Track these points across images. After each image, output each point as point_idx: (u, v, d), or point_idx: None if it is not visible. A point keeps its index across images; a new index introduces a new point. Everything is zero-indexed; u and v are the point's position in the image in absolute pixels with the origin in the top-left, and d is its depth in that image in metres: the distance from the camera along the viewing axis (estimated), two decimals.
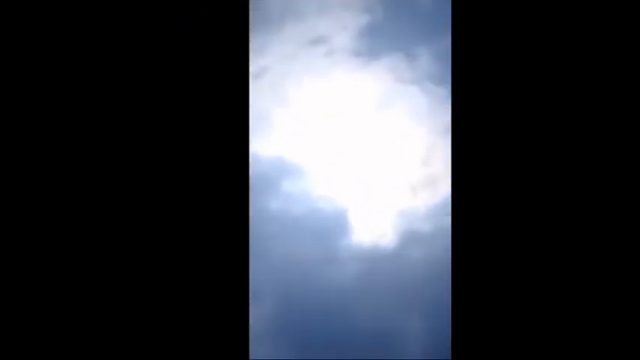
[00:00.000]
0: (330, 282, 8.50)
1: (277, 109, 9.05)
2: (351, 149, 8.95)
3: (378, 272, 8.54)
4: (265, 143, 9.02)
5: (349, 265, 8.58)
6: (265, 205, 8.76)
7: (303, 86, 8.94)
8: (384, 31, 9.11)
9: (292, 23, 9.04)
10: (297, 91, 8.93)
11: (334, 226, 8.72)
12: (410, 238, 8.58)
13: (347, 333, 8.32)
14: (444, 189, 8.62)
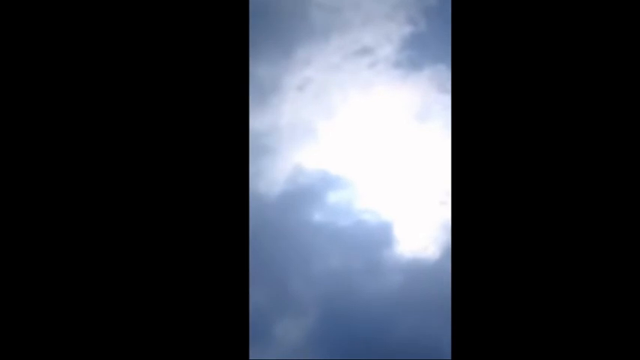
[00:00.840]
0: (372, 293, 8.63)
1: (322, 121, 9.13)
2: (394, 161, 9.01)
3: (419, 284, 8.65)
4: (310, 155, 9.12)
5: (391, 277, 8.71)
6: (309, 217, 8.89)
7: (348, 98, 9.01)
8: (426, 42, 9.15)
9: (337, 34, 9.11)
10: (341, 103, 9.01)
11: (377, 238, 8.82)
12: None
13: (387, 343, 8.47)
14: None
